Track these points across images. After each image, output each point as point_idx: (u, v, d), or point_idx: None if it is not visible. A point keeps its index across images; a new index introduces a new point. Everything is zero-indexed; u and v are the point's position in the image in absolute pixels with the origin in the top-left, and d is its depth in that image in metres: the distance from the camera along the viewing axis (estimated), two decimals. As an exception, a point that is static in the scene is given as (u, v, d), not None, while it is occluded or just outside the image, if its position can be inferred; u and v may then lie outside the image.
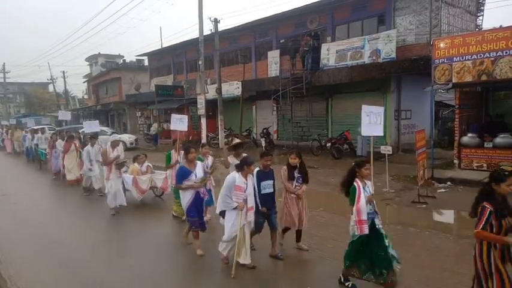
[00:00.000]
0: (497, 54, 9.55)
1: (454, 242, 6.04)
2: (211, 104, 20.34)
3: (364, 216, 4.15)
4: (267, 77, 19.28)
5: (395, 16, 15.01)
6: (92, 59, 45.85)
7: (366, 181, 4.36)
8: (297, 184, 5.38)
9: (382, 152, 9.67)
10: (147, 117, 30.26)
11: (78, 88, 55.61)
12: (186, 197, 5.53)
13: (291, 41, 17.83)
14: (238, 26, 21.05)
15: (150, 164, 9.30)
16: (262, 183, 5.14)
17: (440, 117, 16.68)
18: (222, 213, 5.06)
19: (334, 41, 16.72)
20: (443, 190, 9.30)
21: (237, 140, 6.69)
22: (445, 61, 10.53)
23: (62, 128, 23.55)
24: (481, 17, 16.60)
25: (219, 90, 19.13)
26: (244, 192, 4.85)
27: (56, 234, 6.96)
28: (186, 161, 5.67)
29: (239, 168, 4.94)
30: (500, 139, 10.20)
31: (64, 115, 19.79)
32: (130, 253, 5.95)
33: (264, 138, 17.27)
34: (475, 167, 10.48)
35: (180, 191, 5.64)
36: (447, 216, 7.75)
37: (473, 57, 9.95)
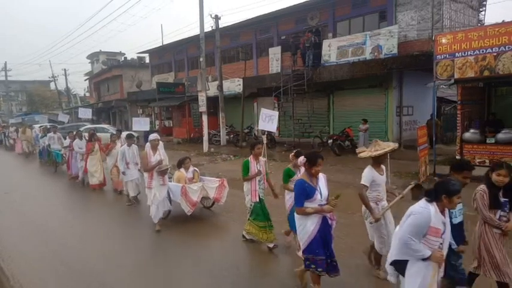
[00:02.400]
0: (500, 49, 9.48)
1: (456, 238, 6.00)
2: (212, 101, 20.34)
3: None
4: (268, 73, 19.26)
5: (397, 12, 14.94)
6: (93, 57, 45.92)
7: None
8: (502, 214, 3.64)
9: (383, 148, 9.63)
10: (148, 114, 30.35)
11: (80, 86, 56.11)
12: (308, 225, 3.84)
13: (292, 37, 17.79)
14: (239, 22, 21.00)
15: (196, 169, 7.73)
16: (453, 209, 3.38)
17: (442, 113, 16.64)
18: (398, 265, 3.16)
19: (335, 37, 16.67)
20: (445, 186, 9.23)
21: (385, 143, 4.51)
22: (447, 57, 10.46)
23: (63, 126, 23.53)
24: (483, 12, 16.53)
25: (220, 87, 19.11)
26: (441, 236, 2.98)
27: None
28: (307, 174, 3.92)
29: (433, 197, 2.96)
30: (502, 135, 10.15)
31: (84, 113, 17.99)
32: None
33: (265, 135, 17.24)
34: (477, 163, 10.43)
35: (297, 216, 3.93)
36: (449, 213, 7.71)
37: (475, 53, 9.88)
